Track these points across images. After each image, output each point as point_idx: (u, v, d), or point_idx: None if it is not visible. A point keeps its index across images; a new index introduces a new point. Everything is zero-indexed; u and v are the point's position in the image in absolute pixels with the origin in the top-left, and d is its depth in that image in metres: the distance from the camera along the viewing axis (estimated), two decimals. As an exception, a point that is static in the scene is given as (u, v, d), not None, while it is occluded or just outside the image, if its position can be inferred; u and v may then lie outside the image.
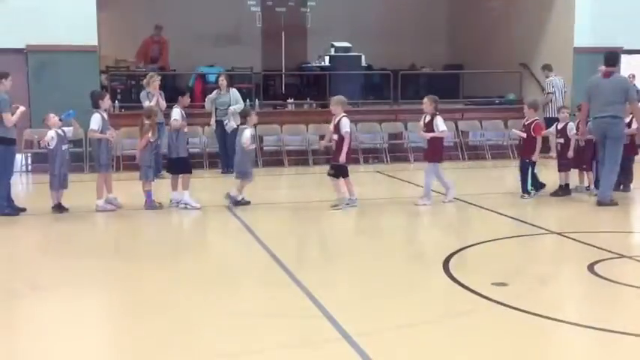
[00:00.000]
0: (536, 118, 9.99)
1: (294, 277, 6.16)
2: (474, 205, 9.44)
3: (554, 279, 6.40)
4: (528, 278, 6.28)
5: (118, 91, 14.85)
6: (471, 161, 13.99)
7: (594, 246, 7.18)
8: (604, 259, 6.68)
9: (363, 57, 15.39)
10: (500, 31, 16.76)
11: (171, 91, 12.17)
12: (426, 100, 9.62)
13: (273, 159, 13.46)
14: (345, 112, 9.10)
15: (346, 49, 15.39)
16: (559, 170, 10.09)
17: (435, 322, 5.19)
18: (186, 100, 9.74)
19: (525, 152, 9.91)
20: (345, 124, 8.91)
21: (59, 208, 8.75)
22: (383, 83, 16.69)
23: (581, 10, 14.38)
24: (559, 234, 7.84)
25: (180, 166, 9.13)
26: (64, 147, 8.89)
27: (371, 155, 14.00)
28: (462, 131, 14.54)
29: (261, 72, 15.42)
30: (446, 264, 6.52)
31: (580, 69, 14.26)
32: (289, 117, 14.26)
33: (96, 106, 9.19)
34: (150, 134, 8.94)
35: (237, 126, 11.28)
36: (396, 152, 14.13)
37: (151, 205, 8.88)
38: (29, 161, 12.82)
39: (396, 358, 4.51)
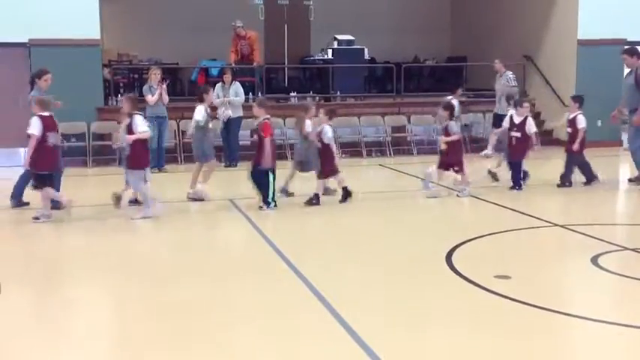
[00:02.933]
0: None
1: (294, 266, 6.18)
2: (477, 198, 9.43)
3: (557, 271, 6.39)
4: (531, 271, 6.27)
5: (121, 85, 14.87)
6: (474, 153, 13.95)
7: (597, 238, 7.17)
8: (607, 252, 6.67)
9: (366, 50, 15.35)
10: (503, 23, 16.70)
11: (174, 85, 12.21)
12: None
13: (276, 152, 13.42)
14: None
15: (349, 42, 15.35)
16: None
17: (437, 314, 5.19)
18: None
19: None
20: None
21: (136, 201, 8.83)
22: (386, 76, 16.67)
23: (584, 3, 14.31)
24: (562, 226, 7.82)
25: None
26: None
27: (374, 148, 13.99)
28: (465, 124, 14.49)
29: (263, 65, 15.39)
30: (449, 257, 6.52)
31: (584, 61, 14.24)
32: (292, 111, 14.22)
33: (201, 99, 9.48)
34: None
35: (242, 118, 11.37)
36: (399, 145, 14.11)
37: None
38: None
39: (397, 349, 4.51)
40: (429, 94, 16.38)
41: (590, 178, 10.14)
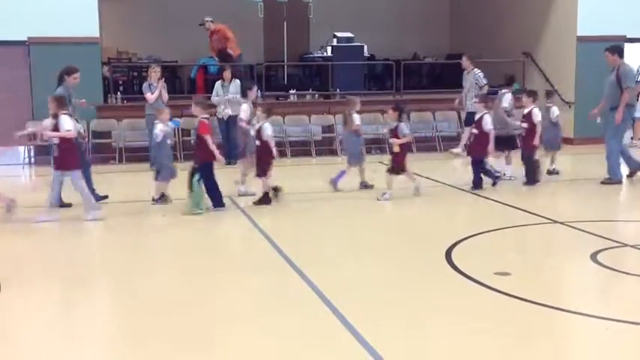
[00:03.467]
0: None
1: (289, 260, 6.19)
2: (477, 194, 9.44)
3: (557, 268, 6.39)
4: (531, 268, 6.28)
5: (120, 82, 14.85)
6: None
7: (597, 235, 7.18)
8: (607, 248, 6.68)
9: (365, 47, 15.34)
10: (503, 20, 16.69)
11: (172, 83, 12.16)
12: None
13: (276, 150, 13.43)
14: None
15: (348, 40, 15.34)
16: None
17: (437, 311, 5.20)
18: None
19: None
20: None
21: (163, 197, 8.87)
22: (385, 73, 16.66)
23: (584, -1, 14.32)
24: (562, 223, 7.83)
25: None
26: (169, 141, 9.08)
27: (373, 146, 13.97)
28: (464, 121, 14.49)
29: (263, 63, 15.38)
30: (448, 254, 6.53)
31: (583, 58, 14.23)
32: (291, 108, 14.24)
33: (244, 95, 9.87)
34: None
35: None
36: (399, 143, 14.05)
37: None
38: (32, 154, 12.84)
39: (397, 347, 4.51)
40: (428, 91, 16.38)
41: (532, 179, 9.84)
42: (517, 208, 8.65)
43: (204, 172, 8.34)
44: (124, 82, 14.96)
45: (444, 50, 18.68)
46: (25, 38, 12.55)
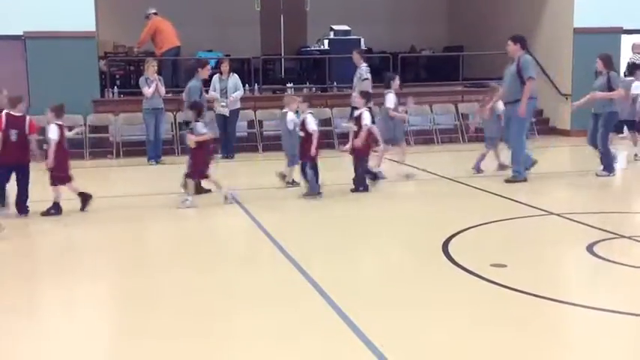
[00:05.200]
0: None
1: (284, 251, 6.21)
2: (473, 187, 9.46)
3: (553, 260, 6.41)
4: (527, 259, 6.30)
5: (117, 76, 14.85)
6: (471, 144, 13.96)
7: (593, 226, 7.20)
8: (603, 240, 6.70)
9: (362, 40, 15.33)
10: (500, 12, 16.69)
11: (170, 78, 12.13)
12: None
13: (273, 144, 13.45)
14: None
15: (345, 33, 15.33)
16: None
17: (434, 303, 5.21)
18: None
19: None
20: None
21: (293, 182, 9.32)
22: (382, 66, 16.65)
23: (580, -9, 14.31)
24: (558, 215, 7.85)
25: None
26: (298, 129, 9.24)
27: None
28: (462, 114, 14.52)
29: (260, 56, 15.37)
30: (445, 246, 6.55)
31: (580, 49, 14.24)
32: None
33: (388, 87, 10.10)
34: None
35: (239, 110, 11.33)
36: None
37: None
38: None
39: (395, 338, 4.53)
40: (425, 83, 16.39)
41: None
42: (513, 200, 8.67)
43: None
44: (120, 77, 14.95)
45: (442, 43, 18.69)
46: (21, 33, 12.54)
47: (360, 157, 9.16)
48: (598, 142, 10.02)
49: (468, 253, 6.41)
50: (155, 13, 14.12)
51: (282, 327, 4.77)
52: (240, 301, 5.30)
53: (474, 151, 11.94)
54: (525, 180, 9.70)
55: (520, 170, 9.70)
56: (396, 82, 10.28)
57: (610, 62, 10.10)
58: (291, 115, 9.14)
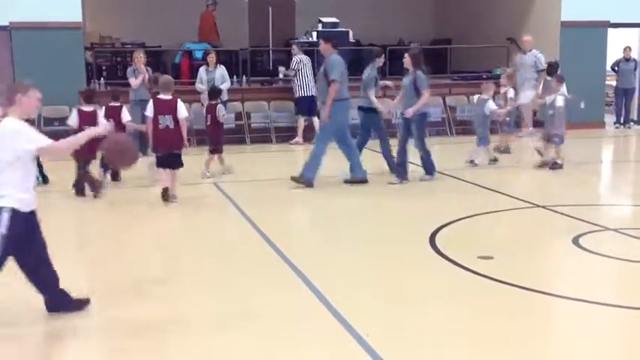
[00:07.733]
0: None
1: (274, 246, 6.21)
2: (460, 179, 9.49)
3: (539, 252, 6.45)
4: (514, 251, 6.34)
5: (104, 68, 14.73)
6: (458, 136, 14.00)
7: (578, 219, 7.25)
8: (589, 232, 6.75)
9: (350, 32, 15.29)
10: (487, 5, 16.70)
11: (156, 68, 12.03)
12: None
13: (261, 136, 13.44)
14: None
15: (334, 25, 15.27)
16: None
17: (421, 296, 5.24)
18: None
19: None
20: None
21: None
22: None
23: (568, -16, 14.34)
24: (543, 207, 7.89)
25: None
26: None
27: (358, 131, 13.97)
28: (449, 106, 14.53)
29: (248, 48, 15.30)
30: (432, 238, 6.57)
31: (567, 43, 14.28)
32: (277, 93, 14.20)
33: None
34: None
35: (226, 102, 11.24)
36: (387, 128, 14.06)
37: None
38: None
39: (381, 328, 4.55)
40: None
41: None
42: (500, 192, 8.70)
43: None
44: (107, 68, 14.84)
45: (429, 36, 18.68)
46: (6, 23, 12.42)
47: None
48: (416, 146, 9.39)
49: (455, 245, 6.44)
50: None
51: (266, 316, 4.78)
52: (224, 291, 5.30)
53: (461, 143, 12.01)
54: (366, 180, 9.18)
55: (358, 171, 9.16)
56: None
57: (418, 61, 9.35)
58: (491, 103, 10.08)
